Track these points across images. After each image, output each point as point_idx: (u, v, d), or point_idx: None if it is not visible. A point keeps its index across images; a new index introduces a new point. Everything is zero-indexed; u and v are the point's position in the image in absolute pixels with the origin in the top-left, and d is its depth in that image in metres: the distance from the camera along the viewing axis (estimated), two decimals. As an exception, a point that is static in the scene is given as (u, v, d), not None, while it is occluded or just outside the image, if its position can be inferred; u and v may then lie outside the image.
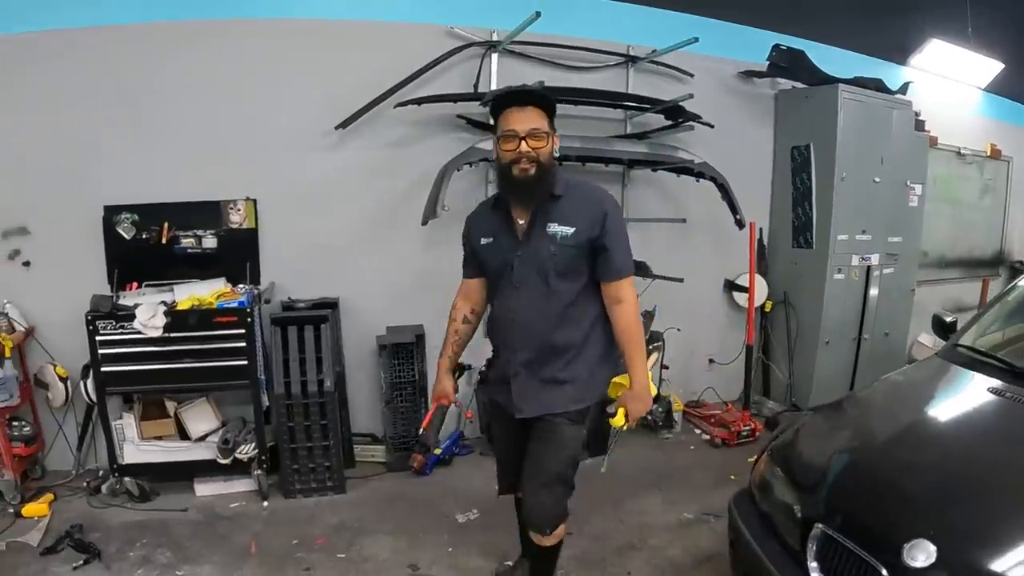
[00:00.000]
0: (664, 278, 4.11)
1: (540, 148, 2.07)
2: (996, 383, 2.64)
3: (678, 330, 4.26)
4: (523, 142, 2.05)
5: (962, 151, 6.24)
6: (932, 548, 1.87)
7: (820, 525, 2.07)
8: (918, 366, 3.16)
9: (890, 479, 2.18)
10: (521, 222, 2.17)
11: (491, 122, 2.26)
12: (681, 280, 4.17)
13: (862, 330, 4.86)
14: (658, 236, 4.46)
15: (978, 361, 2.90)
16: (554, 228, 2.12)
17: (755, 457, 2.73)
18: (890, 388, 2.89)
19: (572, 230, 2.11)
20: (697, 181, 4.15)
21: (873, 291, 4.84)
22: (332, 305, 3.73)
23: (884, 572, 1.87)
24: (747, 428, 4.35)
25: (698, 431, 4.53)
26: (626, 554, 3.08)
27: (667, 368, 4.34)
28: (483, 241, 2.25)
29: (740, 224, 4.12)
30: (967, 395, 2.74)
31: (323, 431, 3.47)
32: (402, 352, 3.78)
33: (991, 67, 5.88)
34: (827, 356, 4.72)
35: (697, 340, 4.72)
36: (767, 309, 4.82)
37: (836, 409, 2.80)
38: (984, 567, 1.79)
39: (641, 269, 4.11)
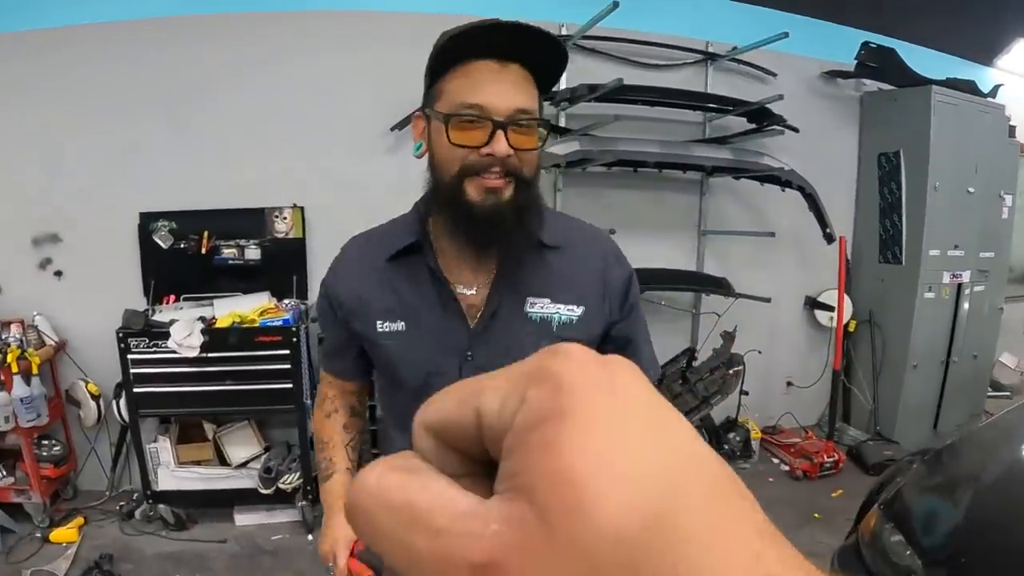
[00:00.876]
0: (750, 297, 3.75)
1: (527, 151, 1.07)
2: None
3: (759, 352, 3.89)
4: (503, 135, 1.03)
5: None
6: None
7: None
8: None
9: None
10: (470, 292, 1.19)
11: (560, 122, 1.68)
12: (768, 300, 3.81)
13: (951, 352, 4.46)
14: (738, 249, 4.11)
15: None
16: (542, 307, 1.18)
17: (859, 513, 2.37)
18: (1012, 427, 2.48)
19: (579, 311, 1.19)
20: (783, 191, 3.78)
21: (963, 310, 4.44)
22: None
23: None
24: (831, 460, 3.98)
25: (776, 460, 4.16)
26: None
27: (747, 394, 3.98)
28: (384, 327, 1.20)
29: (829, 238, 3.74)
30: None
31: (373, 459, 3.15)
32: None
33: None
34: (914, 380, 4.32)
35: (775, 362, 4.35)
36: (851, 329, 4.43)
37: (959, 453, 2.40)
38: None
39: (723, 287, 3.77)
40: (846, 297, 4.37)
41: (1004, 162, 4.59)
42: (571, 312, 1.19)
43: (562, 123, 3.50)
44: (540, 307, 1.19)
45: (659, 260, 3.78)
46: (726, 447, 4.05)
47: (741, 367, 3.64)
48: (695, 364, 3.72)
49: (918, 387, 4.37)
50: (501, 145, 1.03)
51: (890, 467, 2.71)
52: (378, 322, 1.20)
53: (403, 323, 1.19)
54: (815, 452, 4.00)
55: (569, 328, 1.18)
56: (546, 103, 3.32)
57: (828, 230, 3.72)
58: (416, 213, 1.23)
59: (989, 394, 5.10)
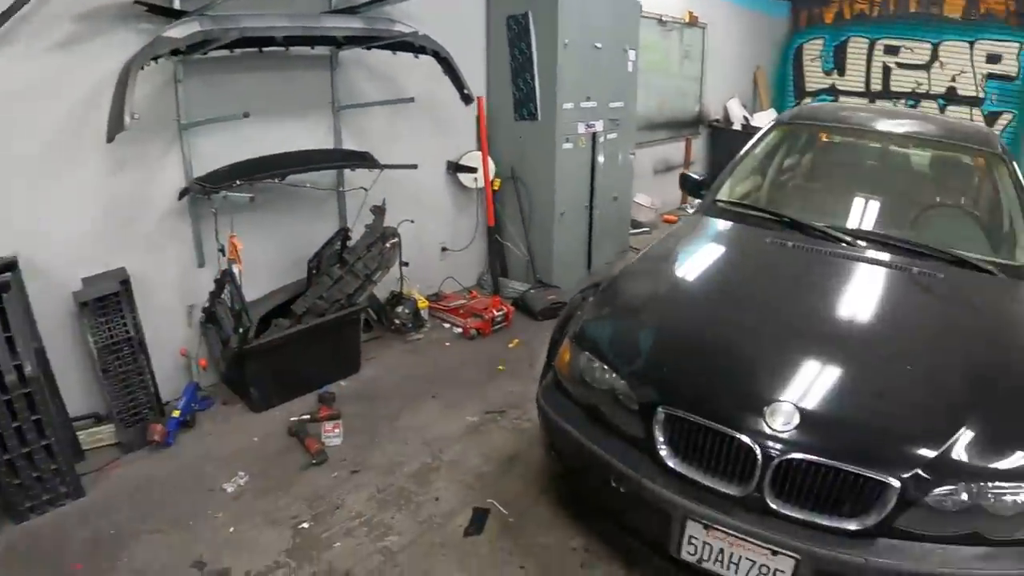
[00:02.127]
0: (396, 167, 3.66)
1: None
2: (770, 233, 2.85)
3: (411, 222, 3.87)
4: None
5: (663, 19, 6.50)
6: (792, 409, 1.83)
7: (664, 408, 1.97)
8: (687, 224, 3.18)
9: (727, 347, 2.13)
10: None
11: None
12: (415, 167, 3.76)
13: (593, 197, 4.94)
14: (376, 124, 3.94)
15: (739, 213, 3.10)
16: None
17: (549, 354, 2.56)
18: (670, 253, 2.84)
19: None
20: (416, 57, 3.65)
21: (600, 158, 4.90)
22: (9, 267, 2.64)
23: (745, 439, 1.81)
24: (500, 313, 4.25)
25: (447, 325, 4.31)
26: (425, 477, 2.80)
27: (406, 265, 3.99)
28: None
29: (467, 99, 3.76)
30: (751, 248, 2.87)
31: (38, 428, 2.50)
32: (108, 306, 2.87)
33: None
34: (563, 227, 4.73)
35: (428, 230, 4.38)
36: (496, 187, 4.63)
37: (626, 282, 2.68)
38: (842, 415, 1.86)
39: (366, 160, 3.61)
40: (489, 157, 4.53)
41: (627, 21, 5.04)
42: None
43: (176, 5, 2.91)
44: None
45: (296, 142, 3.49)
46: (397, 322, 4.08)
47: (397, 239, 3.60)
48: (350, 244, 3.58)
49: (568, 233, 4.80)
50: None
51: (564, 306, 2.90)
52: None
53: None
54: (483, 309, 4.23)
55: None
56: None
57: (465, 91, 3.72)
58: None
59: (631, 232, 5.86)
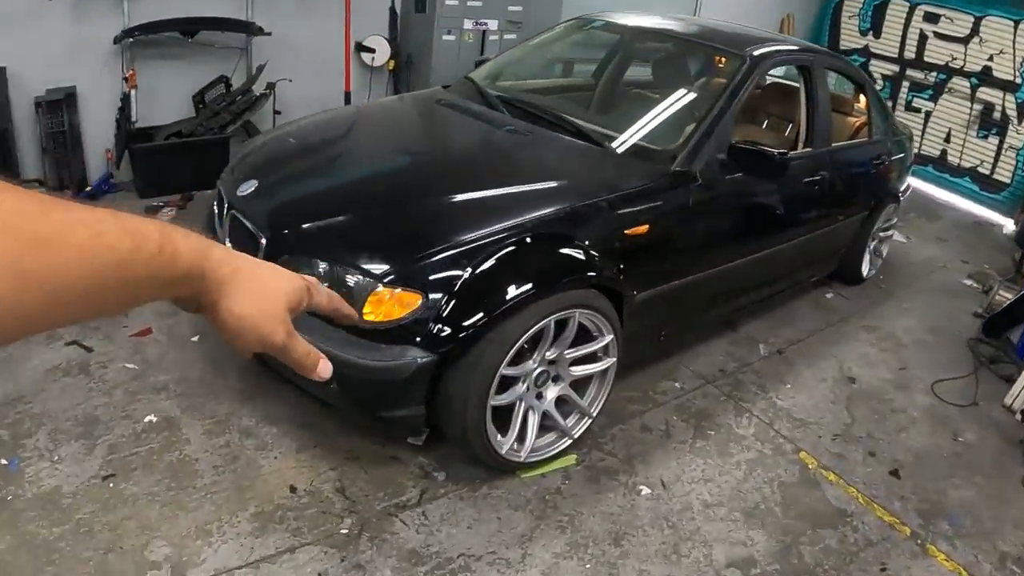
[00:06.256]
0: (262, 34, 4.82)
1: None
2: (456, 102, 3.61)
3: (290, 80, 5.00)
4: None
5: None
6: (254, 182, 2.89)
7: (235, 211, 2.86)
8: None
9: (309, 172, 3.10)
10: None
11: None
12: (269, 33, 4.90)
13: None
14: (287, 3, 5.05)
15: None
16: None
17: None
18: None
19: None
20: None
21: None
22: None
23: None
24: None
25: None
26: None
27: (279, 113, 5.16)
28: None
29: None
30: (417, 109, 3.77)
31: None
32: (54, 107, 4.35)
33: None
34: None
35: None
36: (390, 68, 5.60)
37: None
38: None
39: (245, 26, 4.76)
40: (383, 39, 5.49)
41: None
42: None
43: None
44: None
45: (211, 10, 4.68)
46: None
47: (268, 92, 4.79)
48: (232, 89, 4.82)
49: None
50: None
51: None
52: None
53: None
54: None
55: None
56: None
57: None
58: None
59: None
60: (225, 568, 2.34)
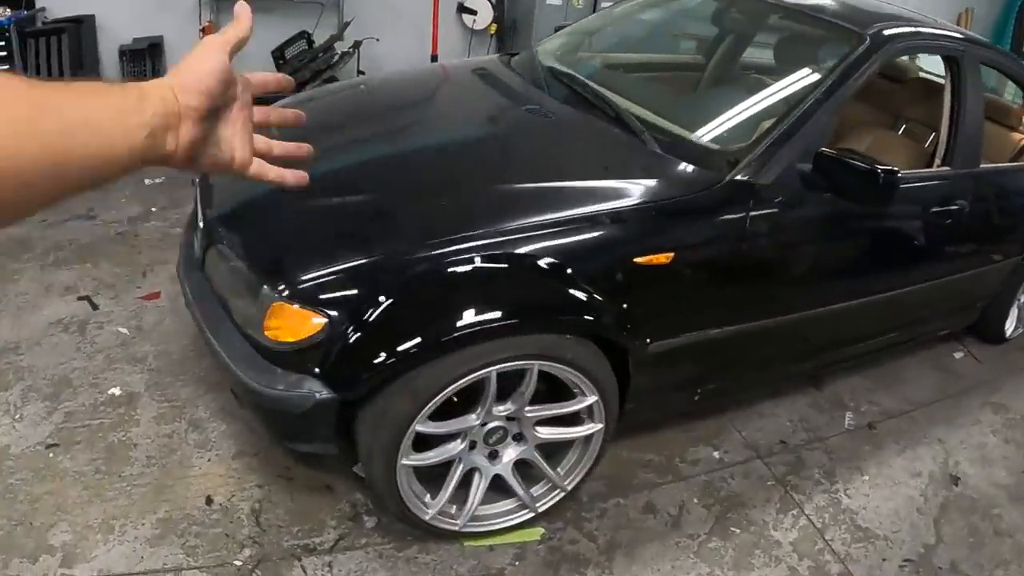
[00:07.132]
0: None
1: None
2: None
3: (377, 40, 4.72)
4: None
5: None
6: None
7: None
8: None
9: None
10: None
11: None
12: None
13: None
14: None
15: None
16: None
17: None
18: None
19: None
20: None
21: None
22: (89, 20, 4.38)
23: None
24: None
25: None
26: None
27: (363, 74, 4.90)
28: None
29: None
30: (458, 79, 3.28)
31: None
32: (137, 56, 4.51)
33: None
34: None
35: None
36: (492, 31, 5.12)
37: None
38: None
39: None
40: (487, 1, 5.01)
41: None
42: None
43: None
44: None
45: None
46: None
47: (352, 51, 4.56)
48: (314, 46, 4.64)
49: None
50: None
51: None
52: None
53: None
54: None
55: None
56: None
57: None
58: None
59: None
60: (109, 572, 2.17)
